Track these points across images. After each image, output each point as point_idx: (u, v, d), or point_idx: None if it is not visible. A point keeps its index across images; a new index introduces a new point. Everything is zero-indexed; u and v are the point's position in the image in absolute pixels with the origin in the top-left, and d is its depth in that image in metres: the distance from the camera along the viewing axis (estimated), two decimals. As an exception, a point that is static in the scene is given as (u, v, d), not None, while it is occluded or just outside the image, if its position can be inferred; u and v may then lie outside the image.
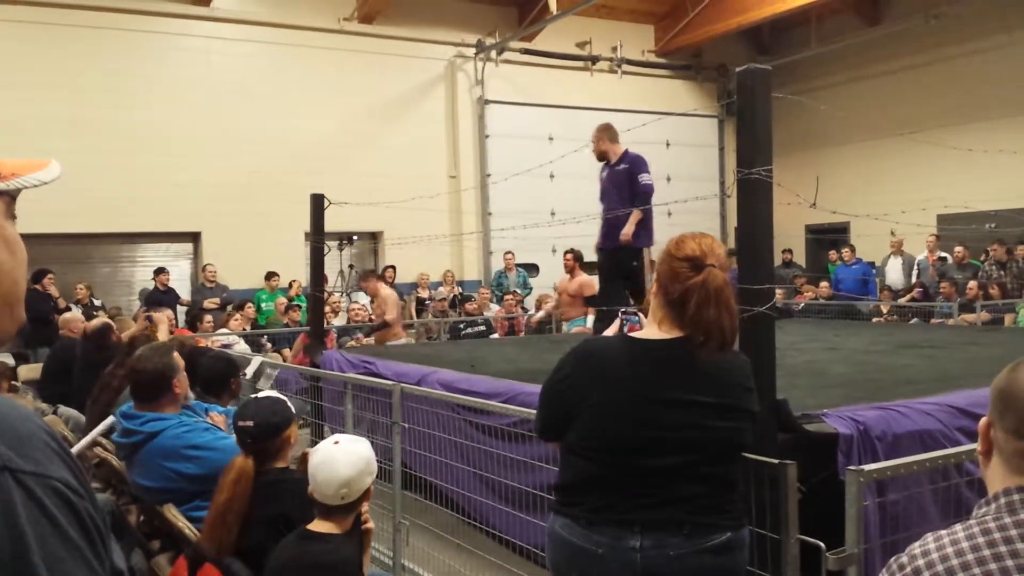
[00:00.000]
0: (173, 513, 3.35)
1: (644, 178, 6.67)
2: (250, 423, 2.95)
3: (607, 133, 6.97)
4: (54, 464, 0.89)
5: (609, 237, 6.85)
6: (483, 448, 4.24)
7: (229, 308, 11.04)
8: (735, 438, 2.36)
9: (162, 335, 6.71)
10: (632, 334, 2.53)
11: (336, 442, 2.71)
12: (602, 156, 6.98)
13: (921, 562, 1.18)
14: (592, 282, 9.64)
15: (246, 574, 2.76)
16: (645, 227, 6.73)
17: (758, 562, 2.65)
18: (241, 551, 2.81)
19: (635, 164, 6.74)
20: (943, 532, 1.23)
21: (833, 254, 14.60)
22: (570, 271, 9.89)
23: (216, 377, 4.39)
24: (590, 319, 9.52)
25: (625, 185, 6.73)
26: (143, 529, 3.78)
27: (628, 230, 6.58)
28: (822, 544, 2.50)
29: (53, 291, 10.63)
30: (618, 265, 6.85)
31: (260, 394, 3.18)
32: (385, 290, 9.44)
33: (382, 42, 13.73)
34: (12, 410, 0.91)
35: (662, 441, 2.29)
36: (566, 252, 10.05)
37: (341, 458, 2.63)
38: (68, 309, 9.77)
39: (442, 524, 4.52)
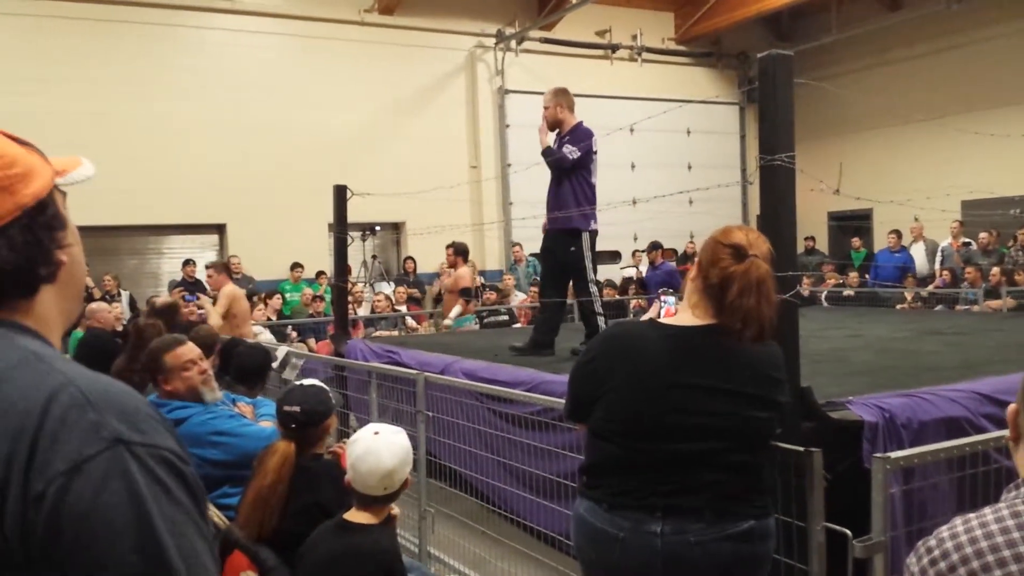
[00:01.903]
0: (202, 501, 3.39)
1: (568, 149, 5.75)
2: (297, 409, 2.97)
3: (565, 99, 5.94)
4: (160, 434, 0.97)
5: (551, 220, 6.01)
6: (507, 436, 4.26)
7: (255, 299, 11.12)
8: (761, 427, 2.36)
9: (214, 321, 6.76)
10: (664, 319, 2.54)
11: (376, 432, 2.70)
12: (555, 125, 5.95)
13: (949, 544, 1.19)
14: (465, 274, 9.29)
15: (274, 562, 2.79)
16: (583, 207, 5.79)
17: (784, 550, 2.65)
18: (271, 537, 2.84)
19: (574, 138, 5.81)
20: (971, 515, 1.24)
21: (856, 241, 14.47)
22: (452, 266, 9.35)
23: (255, 367, 4.49)
24: (456, 310, 9.11)
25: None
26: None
27: (544, 136, 5.81)
28: (848, 532, 2.50)
29: (88, 282, 10.80)
30: (554, 250, 6.06)
31: (305, 382, 3.21)
32: (230, 287, 7.91)
33: (402, 33, 13.74)
34: (114, 386, 0.99)
35: (685, 427, 2.29)
36: (447, 246, 9.43)
37: (384, 449, 2.64)
38: (104, 299, 9.89)
39: (467, 512, 4.54)
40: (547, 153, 5.88)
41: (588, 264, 5.84)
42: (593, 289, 5.88)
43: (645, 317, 2.84)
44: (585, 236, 5.83)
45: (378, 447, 2.64)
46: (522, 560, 4.00)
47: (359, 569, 2.58)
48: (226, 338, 5.35)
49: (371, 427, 2.77)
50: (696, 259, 2.46)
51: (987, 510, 1.22)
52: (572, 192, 5.83)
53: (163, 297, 7.19)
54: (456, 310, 8.99)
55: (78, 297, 1.16)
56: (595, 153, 5.91)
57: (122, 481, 0.90)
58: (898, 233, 13.12)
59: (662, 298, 2.98)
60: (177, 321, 6.23)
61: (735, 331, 2.27)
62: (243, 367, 4.51)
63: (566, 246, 5.90)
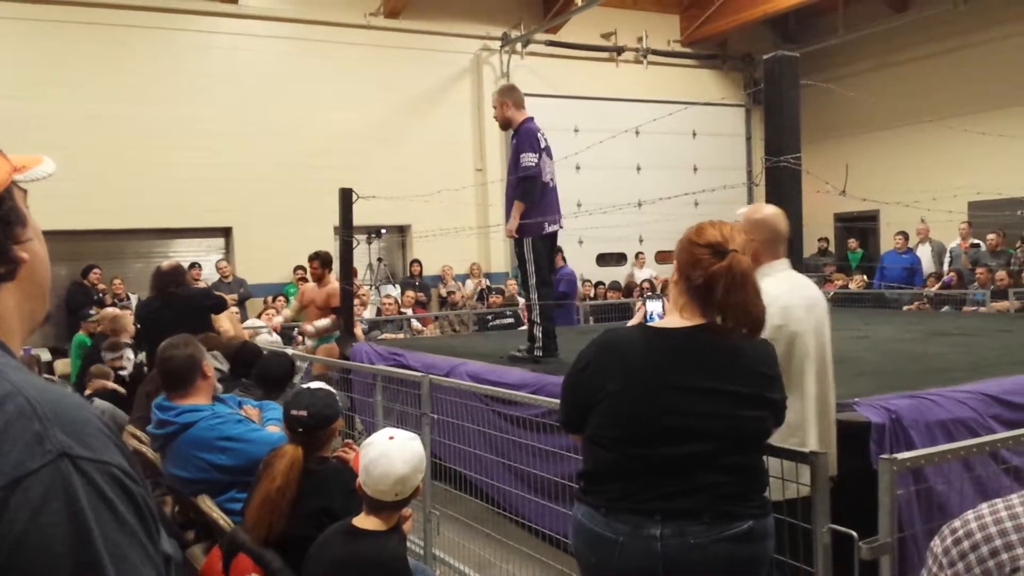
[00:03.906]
0: (208, 504, 3.39)
1: (525, 158, 5.58)
2: (304, 413, 2.97)
3: (511, 96, 5.85)
4: (110, 450, 0.91)
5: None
6: (512, 439, 4.26)
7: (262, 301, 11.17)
8: (756, 426, 2.35)
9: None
10: (653, 323, 2.53)
11: (391, 437, 2.67)
12: (506, 124, 5.88)
13: (974, 525, 1.19)
14: (337, 291, 8.24)
15: (279, 564, 2.79)
16: (530, 214, 5.66)
17: (790, 552, 2.64)
18: (277, 541, 2.84)
19: (521, 140, 5.68)
20: (998, 500, 1.24)
21: (852, 242, 14.44)
22: (318, 279, 8.29)
23: (281, 374, 4.51)
24: (324, 322, 8.18)
25: (513, 162, 5.75)
26: (177, 520, 3.84)
27: (512, 225, 5.67)
28: (855, 533, 2.49)
29: (101, 287, 10.86)
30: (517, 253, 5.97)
31: (312, 385, 3.22)
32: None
33: (408, 36, 13.76)
34: (66, 398, 0.94)
35: (681, 429, 2.28)
36: (311, 258, 8.36)
37: (397, 455, 2.61)
38: (114, 304, 9.92)
39: (472, 514, 4.54)
40: (518, 173, 5.73)
41: (531, 268, 5.72)
42: (533, 296, 5.74)
43: (631, 322, 2.83)
44: (527, 242, 5.71)
45: (392, 452, 2.61)
46: (527, 562, 4.00)
47: (365, 575, 2.57)
48: (237, 344, 5.39)
49: (386, 431, 2.74)
50: (675, 261, 2.44)
51: (1014, 496, 1.22)
52: (511, 198, 5.74)
53: (169, 260, 7.27)
54: (324, 322, 8.18)
55: (42, 296, 1.10)
56: (544, 149, 5.74)
57: (64, 500, 0.84)
58: (904, 234, 13.08)
59: (648, 303, 2.97)
60: (184, 282, 6.34)
61: (728, 329, 2.26)
62: (269, 372, 4.54)
63: (517, 248, 5.87)
